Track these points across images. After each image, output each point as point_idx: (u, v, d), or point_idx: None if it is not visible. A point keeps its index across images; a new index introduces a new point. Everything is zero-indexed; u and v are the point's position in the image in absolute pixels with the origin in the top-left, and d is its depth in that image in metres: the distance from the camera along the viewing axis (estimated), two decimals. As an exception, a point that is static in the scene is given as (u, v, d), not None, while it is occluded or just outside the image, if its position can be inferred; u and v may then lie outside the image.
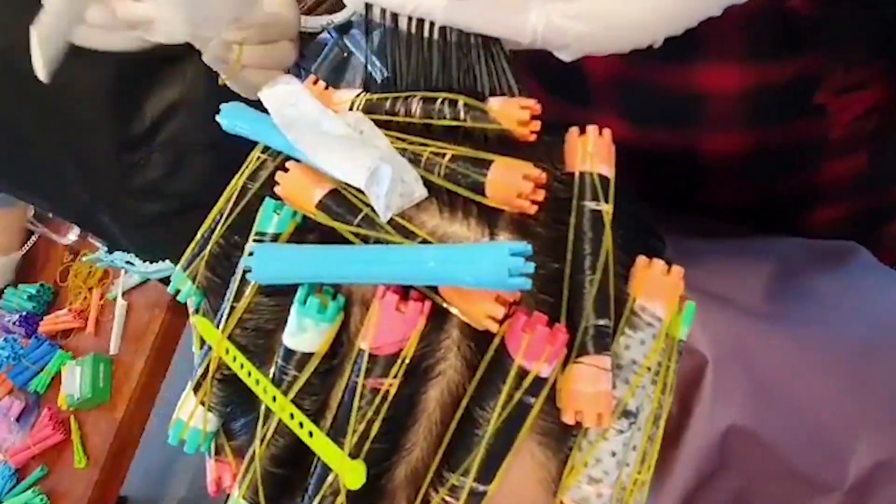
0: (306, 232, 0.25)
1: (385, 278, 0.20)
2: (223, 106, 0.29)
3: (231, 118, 0.29)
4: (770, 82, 0.40)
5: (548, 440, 0.23)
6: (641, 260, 0.23)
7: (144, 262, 0.86)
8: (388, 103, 0.26)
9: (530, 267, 0.19)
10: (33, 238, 1.33)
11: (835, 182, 0.46)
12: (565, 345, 0.20)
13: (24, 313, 1.27)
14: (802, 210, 0.48)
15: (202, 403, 0.25)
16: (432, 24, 0.25)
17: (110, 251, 0.94)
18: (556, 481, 0.23)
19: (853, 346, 0.35)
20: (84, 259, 1.22)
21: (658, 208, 0.33)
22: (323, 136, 0.22)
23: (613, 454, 0.22)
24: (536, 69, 0.43)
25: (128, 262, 0.89)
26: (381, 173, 0.21)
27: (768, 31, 0.38)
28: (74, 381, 1.14)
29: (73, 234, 1.25)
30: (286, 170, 0.25)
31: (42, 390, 1.23)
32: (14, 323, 1.27)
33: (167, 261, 0.84)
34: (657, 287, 0.22)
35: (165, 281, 0.94)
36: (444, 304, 0.21)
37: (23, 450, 1.21)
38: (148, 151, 0.66)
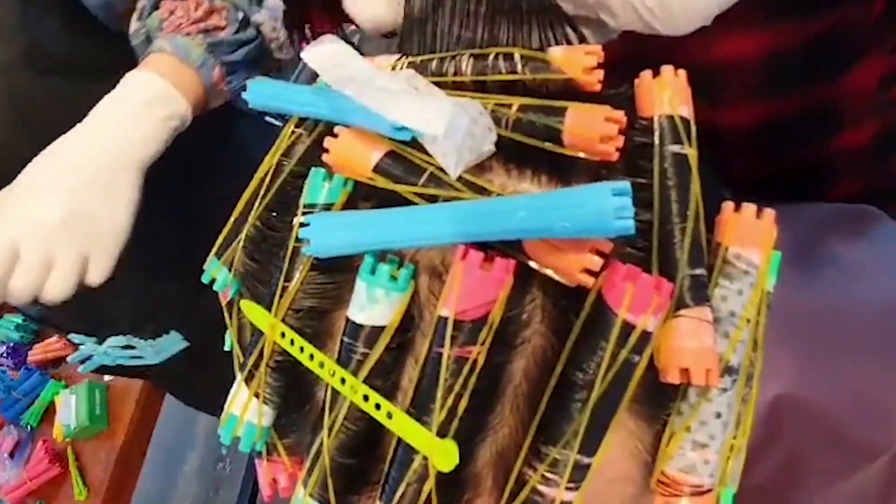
0: (360, 200, 0.23)
1: (468, 235, 0.19)
2: (249, 84, 0.27)
3: (259, 96, 0.27)
4: (791, 46, 0.39)
5: (639, 407, 0.21)
6: (728, 205, 0.22)
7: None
8: (433, 64, 0.24)
9: (631, 209, 0.17)
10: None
11: (852, 152, 0.45)
12: (670, 295, 0.19)
13: (12, 344, 1.23)
14: (820, 184, 0.47)
15: (256, 395, 0.22)
16: None
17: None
18: (649, 452, 0.21)
19: (889, 309, 0.35)
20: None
21: None
22: (383, 91, 0.20)
23: (718, 415, 0.20)
24: None
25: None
26: (457, 123, 0.19)
27: None
28: (70, 410, 1.10)
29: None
30: (334, 135, 0.23)
31: (35, 423, 1.18)
32: (2, 354, 1.22)
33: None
34: (751, 232, 0.21)
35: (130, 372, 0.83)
36: (530, 262, 0.19)
37: (19, 486, 1.16)
38: None
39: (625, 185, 0.17)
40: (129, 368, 0.81)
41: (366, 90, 0.20)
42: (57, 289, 0.47)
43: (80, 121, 0.50)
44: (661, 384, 0.20)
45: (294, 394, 0.23)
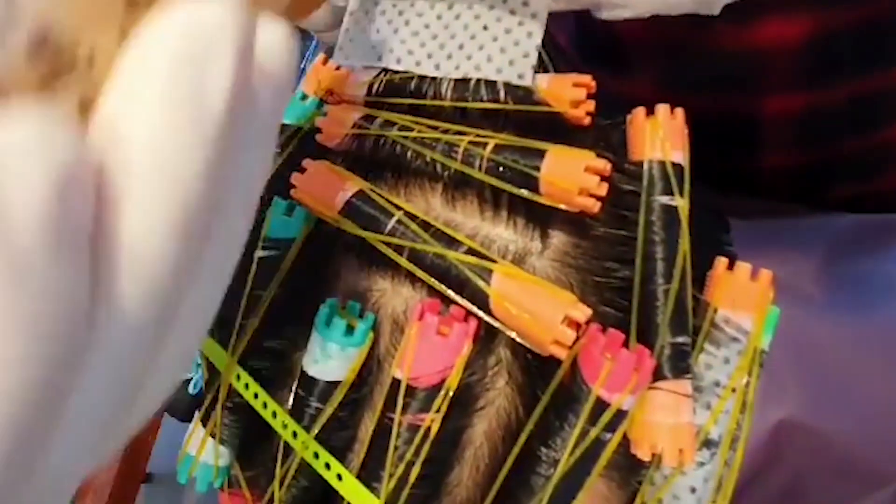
0: (325, 235, 0.21)
1: None
2: None
3: None
4: (842, 30, 0.35)
5: (612, 472, 0.20)
6: (721, 263, 0.20)
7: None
8: (412, 83, 0.23)
9: None
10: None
11: None
12: (652, 373, 0.17)
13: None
14: (867, 176, 0.44)
15: (212, 435, 0.22)
16: None
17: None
18: None
19: None
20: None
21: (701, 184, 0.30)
22: None
23: (693, 490, 0.19)
24: (569, 34, 0.39)
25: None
26: None
27: None
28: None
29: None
30: (302, 169, 0.21)
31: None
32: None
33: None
34: (743, 295, 0.19)
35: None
36: (497, 326, 0.18)
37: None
38: None
39: None
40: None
41: None
42: None
43: None
44: (633, 453, 0.18)
45: (254, 430, 0.22)
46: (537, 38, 0.19)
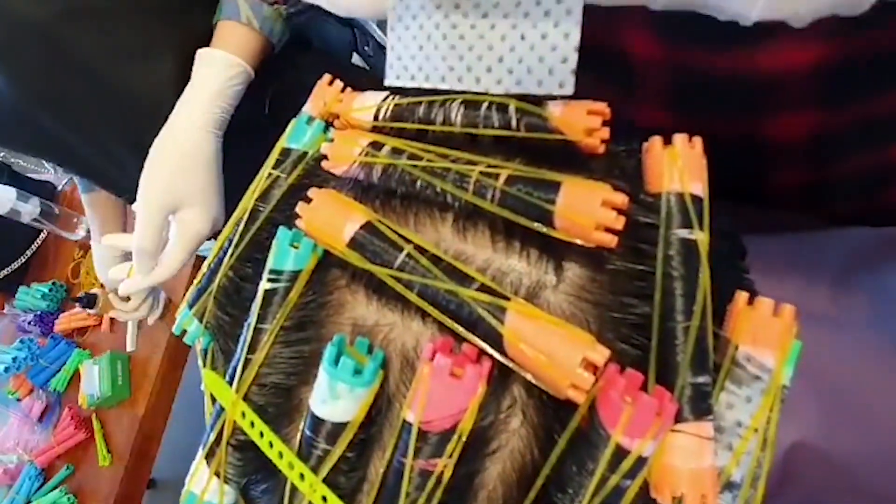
0: (332, 266, 0.21)
1: None
2: None
3: None
4: (852, 57, 0.35)
5: None
6: (741, 297, 0.19)
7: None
8: (421, 109, 0.22)
9: None
10: (42, 236, 1.31)
11: None
12: (674, 418, 0.16)
13: (39, 312, 1.26)
14: (876, 190, 0.43)
15: (217, 474, 0.21)
16: None
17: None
18: None
19: None
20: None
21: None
22: None
23: (715, 536, 0.18)
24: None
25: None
26: None
27: None
28: (93, 380, 1.13)
29: (81, 231, 1.22)
30: (308, 199, 0.21)
31: (62, 389, 1.21)
32: (29, 323, 1.25)
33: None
34: (765, 332, 0.18)
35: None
36: (512, 367, 0.17)
37: (47, 449, 1.21)
38: None
39: None
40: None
41: None
42: None
43: (119, 56, 0.59)
44: (653, 497, 0.18)
45: (260, 467, 0.22)
46: (574, 40, 0.18)
